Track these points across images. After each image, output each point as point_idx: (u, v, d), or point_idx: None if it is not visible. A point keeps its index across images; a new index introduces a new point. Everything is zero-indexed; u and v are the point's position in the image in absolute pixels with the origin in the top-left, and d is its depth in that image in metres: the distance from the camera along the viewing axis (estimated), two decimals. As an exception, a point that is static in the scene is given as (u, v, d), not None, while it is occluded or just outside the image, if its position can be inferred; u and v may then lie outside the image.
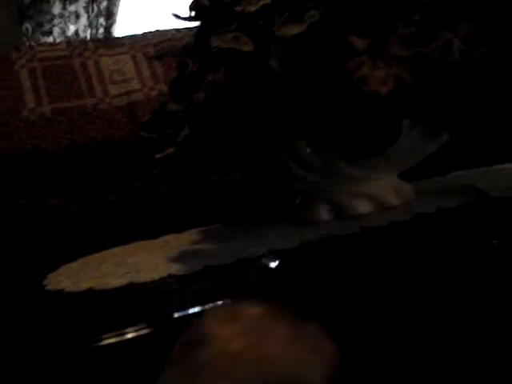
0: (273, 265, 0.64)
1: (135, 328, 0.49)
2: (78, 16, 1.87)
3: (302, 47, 0.61)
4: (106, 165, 1.21)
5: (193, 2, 0.70)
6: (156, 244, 0.80)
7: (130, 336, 0.49)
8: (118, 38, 1.49)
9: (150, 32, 1.44)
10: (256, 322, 0.40)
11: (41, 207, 1.02)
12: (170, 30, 1.44)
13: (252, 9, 0.63)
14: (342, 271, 0.55)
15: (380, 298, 0.53)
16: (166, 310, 0.55)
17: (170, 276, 0.60)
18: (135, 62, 1.37)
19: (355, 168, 0.71)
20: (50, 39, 1.82)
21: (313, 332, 0.41)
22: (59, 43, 1.54)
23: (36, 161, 1.21)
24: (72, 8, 1.85)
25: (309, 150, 0.69)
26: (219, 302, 0.44)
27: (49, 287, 0.66)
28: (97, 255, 0.80)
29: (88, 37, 1.89)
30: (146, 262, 0.68)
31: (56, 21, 1.84)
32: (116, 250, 0.81)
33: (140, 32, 1.45)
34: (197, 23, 0.72)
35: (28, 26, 1.82)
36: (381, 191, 0.72)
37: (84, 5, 1.88)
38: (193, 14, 0.71)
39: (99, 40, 1.70)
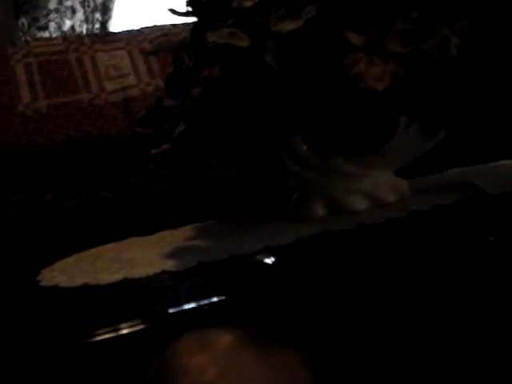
0: (268, 261, 0.64)
1: (130, 324, 0.49)
2: (74, 11, 1.87)
3: (298, 43, 0.61)
4: (102, 160, 1.21)
5: (189, -3, 0.70)
6: (151, 240, 0.80)
7: (124, 332, 0.49)
8: (114, 33, 1.48)
9: (147, 27, 1.44)
10: (229, 350, 0.40)
11: (36, 202, 1.02)
12: (166, 26, 1.43)
13: (248, 4, 0.63)
14: (338, 267, 0.55)
15: (376, 294, 0.53)
16: (161, 305, 0.55)
17: (164, 272, 0.60)
18: (131, 58, 1.36)
19: (351, 165, 0.71)
20: (46, 34, 1.82)
21: (286, 358, 0.41)
22: (55, 38, 1.54)
23: (32, 156, 1.21)
24: (68, 3, 1.85)
25: (305, 146, 0.69)
26: (192, 331, 0.43)
27: (43, 283, 0.65)
28: (91, 251, 0.79)
29: (84, 32, 1.88)
30: (141, 257, 0.68)
31: (52, 16, 1.83)
32: (111, 245, 0.81)
33: (136, 27, 1.45)
34: (193, 18, 0.71)
35: (24, 20, 1.81)
36: (377, 188, 0.72)
37: (80, 0, 1.87)
38: (189, 9, 0.71)
39: (95, 35, 1.70)
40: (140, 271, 0.61)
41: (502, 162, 0.85)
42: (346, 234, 0.63)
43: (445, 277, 0.54)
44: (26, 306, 0.61)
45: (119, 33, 1.45)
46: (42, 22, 1.82)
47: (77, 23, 1.88)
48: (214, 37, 0.63)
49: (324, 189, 0.73)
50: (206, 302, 0.52)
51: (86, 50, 1.37)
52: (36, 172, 1.19)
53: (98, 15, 1.91)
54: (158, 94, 0.75)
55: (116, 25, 1.95)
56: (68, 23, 1.86)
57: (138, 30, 1.44)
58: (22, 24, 1.81)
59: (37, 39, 1.69)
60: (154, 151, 0.70)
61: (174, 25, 1.42)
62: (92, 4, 1.89)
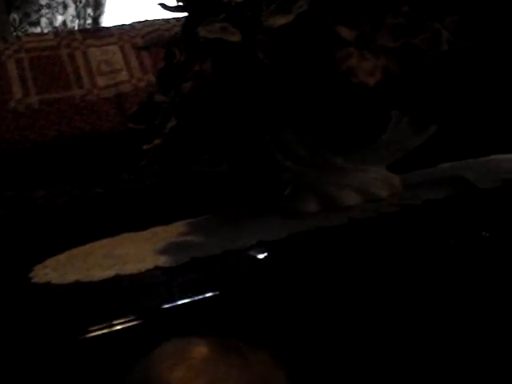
0: (261, 256, 0.64)
1: (123, 320, 0.49)
2: (65, 6, 1.86)
3: (289, 38, 0.61)
4: (94, 156, 1.21)
5: (180, -8, 0.70)
6: (143, 236, 0.80)
7: (118, 328, 0.49)
8: (106, 28, 1.47)
9: (139, 22, 1.43)
10: (206, 363, 0.41)
11: (28, 198, 1.02)
12: (158, 20, 1.43)
13: (239, -1, 0.63)
14: (331, 263, 0.55)
15: (368, 289, 0.53)
16: (154, 301, 0.55)
17: (157, 268, 0.60)
18: (123, 53, 1.36)
19: (343, 160, 0.71)
20: (38, 30, 1.81)
21: (262, 367, 0.42)
22: (47, 34, 1.53)
23: (23, 152, 1.20)
24: (60, -2, 1.84)
25: (296, 142, 0.69)
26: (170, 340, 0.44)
27: (35, 280, 0.65)
28: (84, 247, 0.79)
29: (76, 27, 1.87)
30: (134, 253, 0.68)
31: (43, 11, 1.82)
32: (103, 241, 0.81)
33: (128, 22, 1.44)
34: (184, 13, 0.71)
35: (15, 16, 1.80)
36: (369, 183, 0.72)
37: (72, -5, 1.86)
38: (180, 3, 0.70)
39: (87, 30, 1.69)
40: (133, 267, 0.61)
41: (492, 157, 0.86)
42: (339, 229, 0.63)
43: (437, 271, 0.55)
44: (19, 303, 0.61)
45: (111, 28, 1.44)
46: (34, 17, 1.81)
47: (68, 18, 1.87)
48: (205, 31, 0.63)
49: (316, 184, 0.73)
50: (199, 297, 0.52)
51: (77, 45, 1.36)
52: (28, 168, 1.18)
53: (89, 10, 1.90)
54: (150, 89, 0.75)
55: (108, 20, 1.94)
56: (60, 18, 1.85)
57: (129, 24, 1.43)
58: (14, 19, 1.80)
59: (28, 35, 1.68)
60: (145, 147, 0.70)
61: (166, 20, 1.42)
62: (84, -1, 1.89)
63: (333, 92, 0.63)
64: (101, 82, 1.31)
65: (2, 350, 0.48)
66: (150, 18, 1.45)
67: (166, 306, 0.52)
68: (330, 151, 0.69)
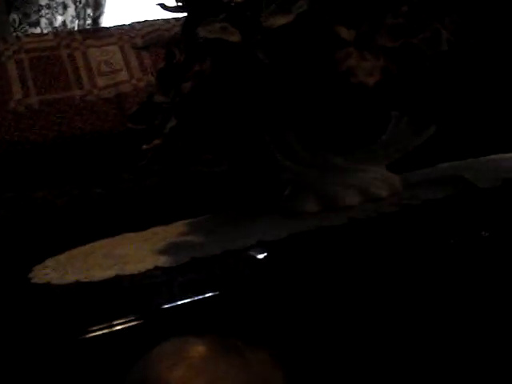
0: (261, 256, 0.64)
1: (123, 320, 0.49)
2: (65, 7, 1.86)
3: (289, 38, 0.61)
4: (94, 156, 1.21)
5: (180, -8, 0.70)
6: (144, 236, 0.80)
7: (118, 328, 0.49)
8: (106, 28, 1.47)
9: (139, 22, 1.43)
10: (205, 362, 0.41)
11: (28, 199, 1.02)
12: (158, 21, 1.43)
13: (239, -1, 0.63)
14: (331, 262, 0.55)
15: (368, 288, 0.53)
16: (154, 301, 0.55)
17: (157, 268, 0.60)
18: (123, 53, 1.36)
19: (343, 159, 0.71)
20: (38, 30, 1.81)
21: (261, 366, 0.42)
22: (46, 34, 1.53)
23: (23, 152, 1.20)
24: (59, -2, 1.84)
25: (297, 142, 0.69)
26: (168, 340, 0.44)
27: (35, 280, 0.65)
28: (84, 247, 0.79)
29: (76, 28, 1.87)
30: (134, 253, 0.68)
31: (43, 11, 1.82)
32: (103, 241, 0.81)
33: (128, 22, 1.44)
34: (184, 13, 0.71)
35: (15, 16, 1.80)
36: (369, 183, 0.72)
37: (71, -5, 1.86)
38: (180, 4, 0.70)
39: (87, 31, 1.69)
40: (133, 267, 0.61)
41: (492, 157, 0.86)
42: (339, 229, 0.63)
43: (437, 270, 0.55)
44: (19, 303, 0.61)
45: (111, 28, 1.44)
46: (34, 17, 1.81)
47: (68, 19, 1.87)
48: (205, 32, 0.63)
49: (316, 184, 0.73)
50: (199, 297, 0.52)
51: (77, 45, 1.36)
52: (28, 168, 1.18)
53: (89, 11, 1.90)
54: (150, 89, 0.75)
55: (108, 20, 1.94)
56: (59, 19, 1.85)
57: (129, 25, 1.43)
58: (13, 20, 1.80)
59: (28, 35, 1.68)
60: (145, 147, 0.70)
61: (166, 20, 1.42)
62: (83, 0, 1.88)
63: (332, 92, 0.63)
64: (101, 82, 1.32)
65: (2, 350, 0.48)
66: (150, 18, 1.45)
67: (166, 306, 0.52)
68: (330, 151, 0.69)
